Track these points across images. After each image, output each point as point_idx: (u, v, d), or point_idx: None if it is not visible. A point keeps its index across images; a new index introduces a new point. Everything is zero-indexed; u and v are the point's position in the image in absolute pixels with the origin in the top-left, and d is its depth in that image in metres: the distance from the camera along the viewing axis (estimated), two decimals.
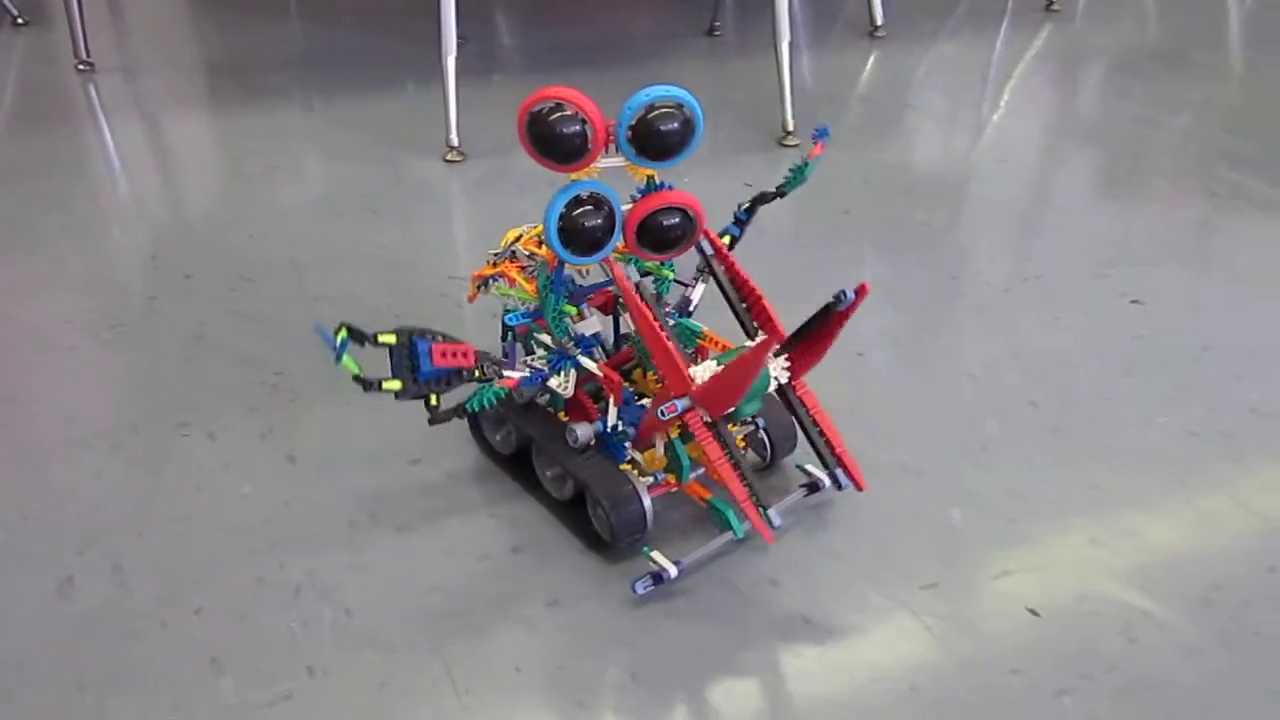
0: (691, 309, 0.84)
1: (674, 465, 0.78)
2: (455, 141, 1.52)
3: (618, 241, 0.75)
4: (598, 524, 0.79)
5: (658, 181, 0.75)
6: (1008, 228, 1.37)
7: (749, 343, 0.76)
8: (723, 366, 0.72)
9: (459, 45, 1.53)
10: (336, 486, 0.87)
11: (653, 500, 0.76)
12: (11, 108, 1.79)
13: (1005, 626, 0.74)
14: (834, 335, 0.72)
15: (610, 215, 0.73)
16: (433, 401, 0.70)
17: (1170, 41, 2.21)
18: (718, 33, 2.17)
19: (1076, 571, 0.79)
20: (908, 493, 0.86)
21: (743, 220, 0.84)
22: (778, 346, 0.75)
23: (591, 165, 0.72)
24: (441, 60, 1.51)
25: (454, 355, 0.70)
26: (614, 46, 2.13)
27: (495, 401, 0.73)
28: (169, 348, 1.07)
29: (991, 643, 0.73)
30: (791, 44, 1.59)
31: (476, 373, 0.71)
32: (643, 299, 0.75)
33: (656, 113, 0.71)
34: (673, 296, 0.85)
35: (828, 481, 0.81)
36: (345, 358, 0.64)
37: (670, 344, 0.71)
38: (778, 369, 0.75)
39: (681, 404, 0.70)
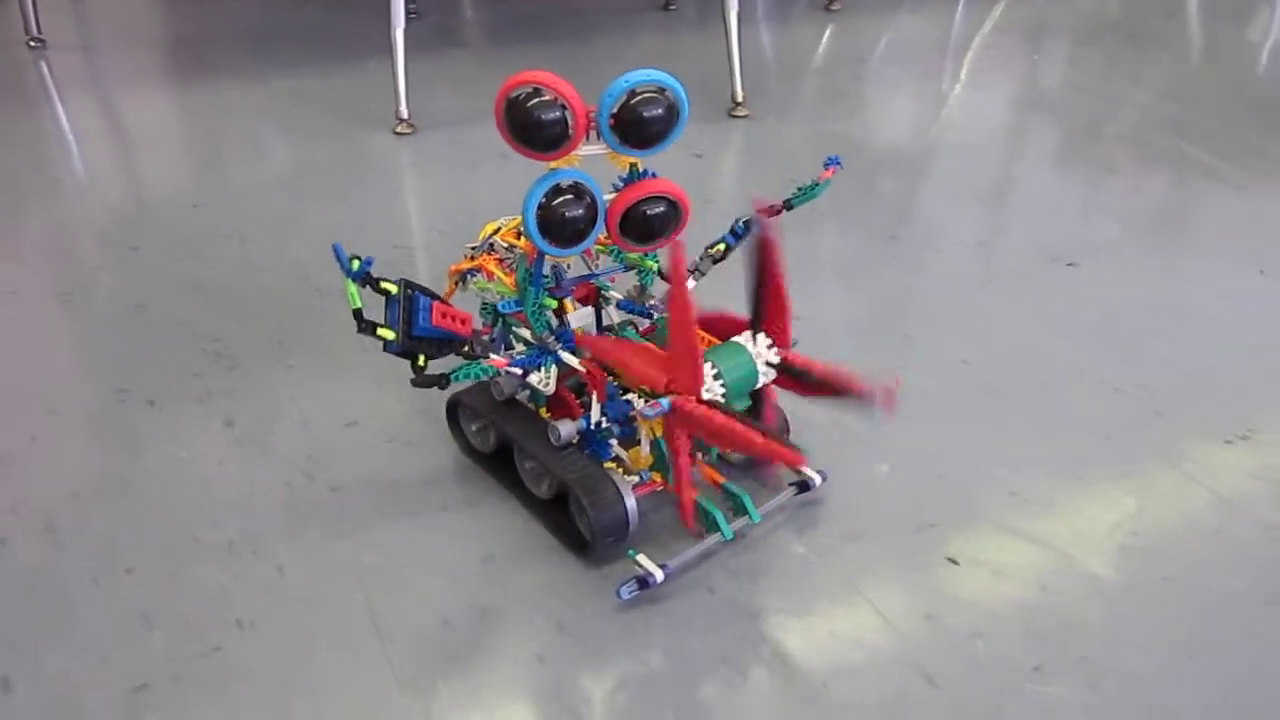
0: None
1: (660, 463, 0.75)
2: (405, 114, 1.52)
3: (600, 232, 0.72)
4: (580, 524, 0.76)
5: (641, 169, 0.72)
6: (950, 194, 1.39)
7: (737, 338, 0.71)
8: (668, 335, 0.68)
9: (412, 19, 1.54)
10: (273, 449, 0.88)
11: (638, 500, 0.73)
12: None
13: (924, 577, 0.76)
14: (780, 276, 0.68)
15: (592, 205, 0.70)
16: (419, 362, 0.68)
17: (1126, 15, 2.23)
18: (673, 7, 2.17)
19: (998, 523, 0.81)
20: (841, 452, 0.88)
21: (740, 233, 0.79)
22: (749, 331, 0.71)
23: (572, 153, 0.68)
24: (391, 33, 1.51)
25: (453, 319, 0.68)
26: (569, 20, 2.13)
27: (480, 378, 0.71)
28: (111, 318, 1.07)
29: (912, 591, 0.74)
30: (741, 16, 1.60)
31: (467, 347, 0.69)
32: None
33: (640, 98, 0.68)
34: (653, 291, 0.82)
35: (818, 480, 0.81)
36: (351, 287, 0.63)
37: (628, 353, 0.69)
38: (763, 351, 0.70)
39: (665, 401, 0.66)
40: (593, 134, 0.68)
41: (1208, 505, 0.83)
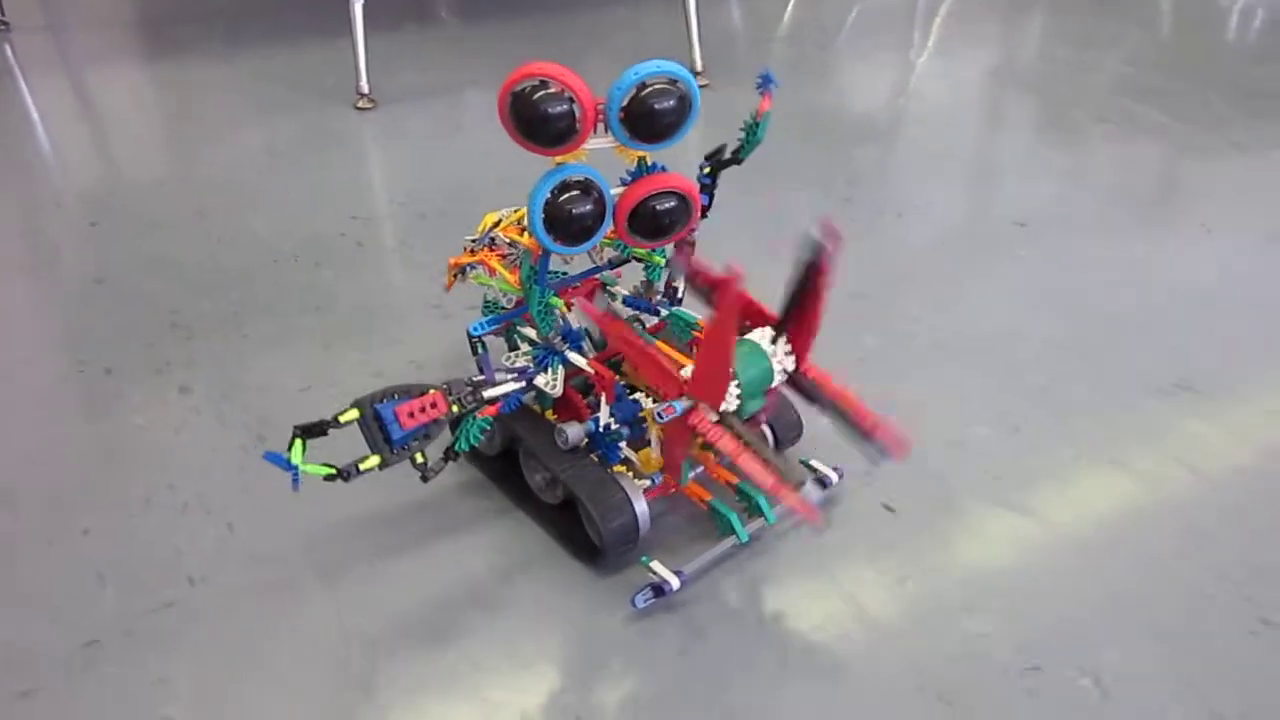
0: (680, 296, 0.78)
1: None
2: (365, 89, 1.53)
3: (608, 228, 0.69)
4: (589, 531, 0.73)
5: (650, 163, 0.69)
6: (904, 157, 1.41)
7: (756, 336, 0.69)
8: (698, 350, 0.66)
9: None
10: (228, 415, 0.89)
11: (649, 504, 0.71)
12: None
13: (863, 524, 0.78)
14: (821, 298, 0.66)
15: (600, 201, 0.67)
16: (419, 460, 0.65)
17: None
18: None
19: (939, 469, 0.83)
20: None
21: (708, 185, 0.76)
22: (772, 332, 0.69)
23: (580, 148, 0.65)
24: (350, 7, 1.52)
25: (422, 411, 0.64)
26: None
27: (480, 437, 0.68)
28: (70, 292, 1.08)
29: (850, 535, 0.77)
30: None
31: (454, 409, 0.66)
32: (612, 316, 0.71)
33: (650, 90, 0.64)
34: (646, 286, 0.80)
35: (834, 478, 0.79)
36: (310, 467, 0.60)
37: (651, 350, 0.67)
38: (781, 357, 0.68)
39: (680, 405, 0.64)
40: (600, 127, 0.65)
41: (1141, 453, 0.85)
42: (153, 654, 0.67)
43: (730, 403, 0.66)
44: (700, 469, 0.76)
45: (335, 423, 0.62)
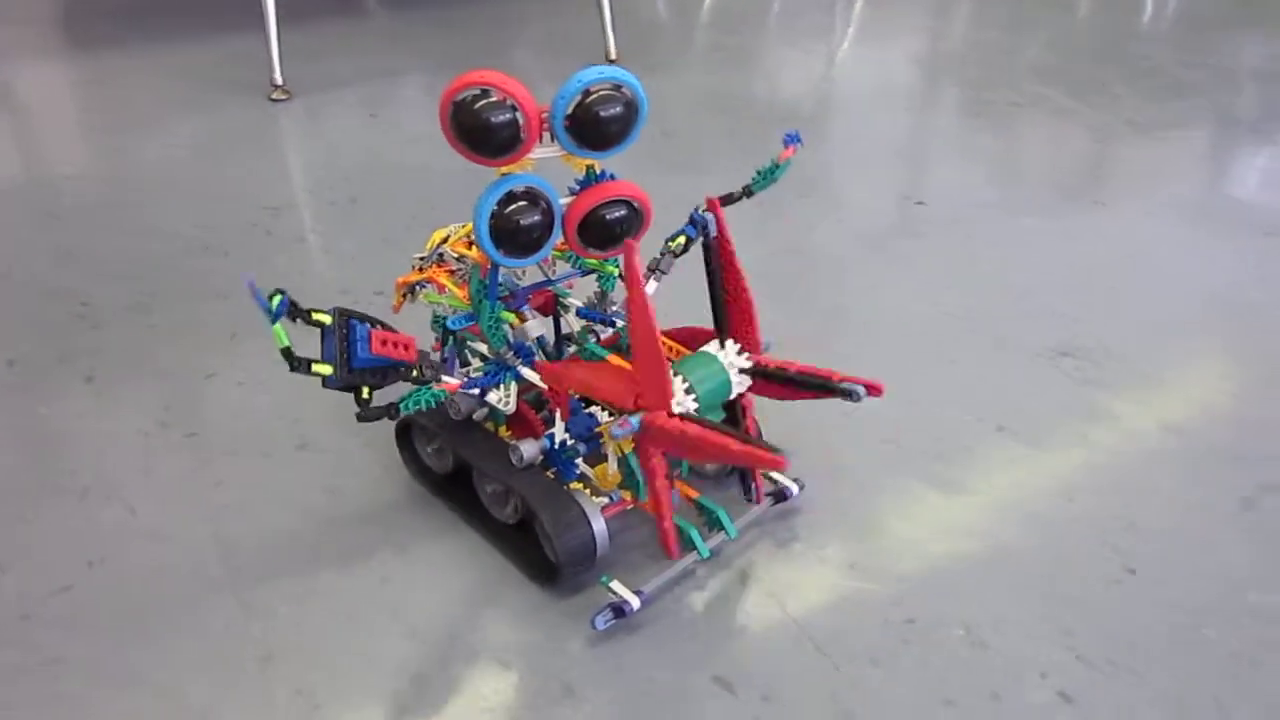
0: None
1: (629, 481, 0.70)
2: (279, 80, 1.53)
3: (557, 239, 0.68)
4: (546, 550, 0.71)
5: (598, 171, 0.68)
6: (809, 136, 1.44)
7: (706, 347, 0.69)
8: (631, 349, 0.64)
9: None
10: (131, 401, 0.90)
11: (607, 522, 0.68)
12: None
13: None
14: (738, 275, 0.66)
15: (548, 211, 0.65)
16: (364, 394, 0.63)
17: None
18: None
19: (835, 439, 0.86)
20: None
21: (699, 222, 0.72)
22: (717, 341, 0.68)
23: (525, 157, 0.64)
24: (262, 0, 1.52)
25: (395, 345, 0.63)
26: None
27: (433, 405, 0.66)
28: None
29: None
30: None
31: (415, 372, 0.65)
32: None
33: (595, 97, 0.63)
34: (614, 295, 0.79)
35: (794, 489, 0.77)
36: (277, 326, 0.58)
37: (596, 374, 0.66)
38: (733, 359, 0.67)
39: (635, 420, 0.62)
40: (546, 136, 0.64)
41: (1026, 417, 0.88)
42: (49, 635, 0.68)
43: (684, 403, 0.64)
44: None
45: (306, 315, 0.60)
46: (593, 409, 0.69)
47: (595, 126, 0.64)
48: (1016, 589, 0.72)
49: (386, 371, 0.63)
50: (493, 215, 0.64)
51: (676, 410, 0.63)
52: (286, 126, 1.47)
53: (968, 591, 0.71)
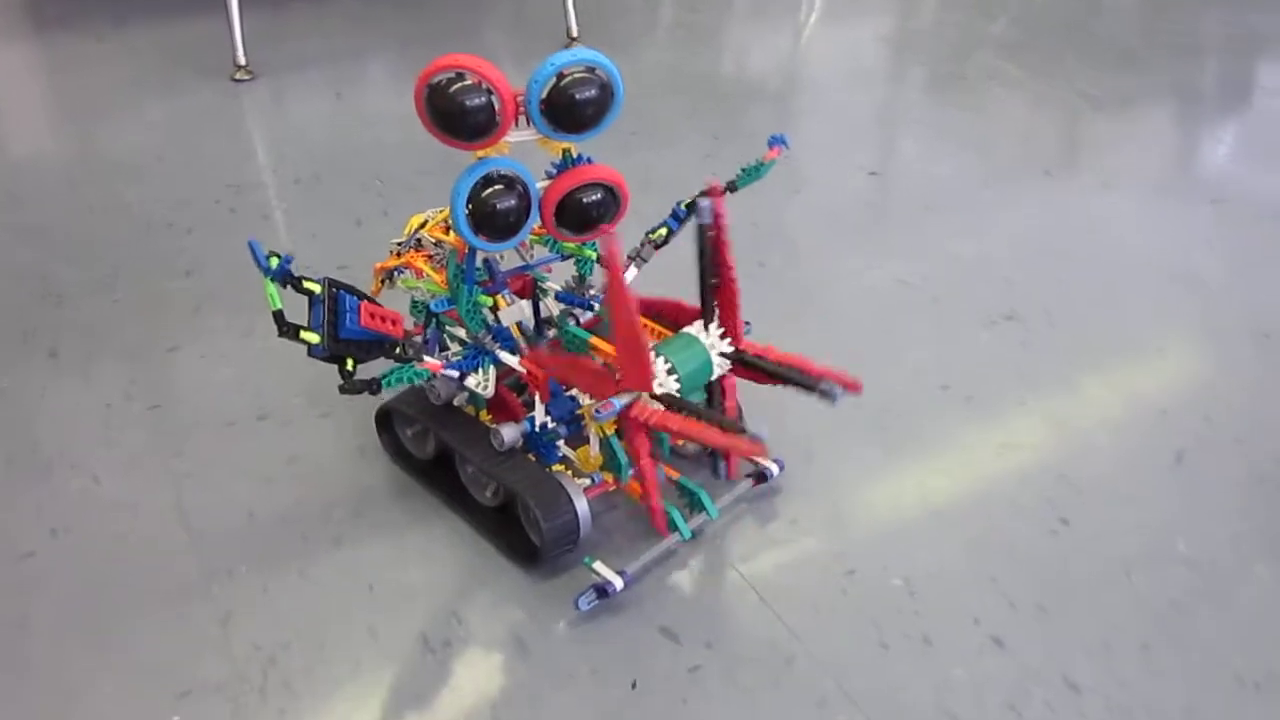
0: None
1: (611, 464, 0.70)
2: (242, 60, 1.54)
3: (534, 223, 0.67)
4: (530, 533, 0.72)
5: (575, 155, 0.68)
6: (766, 112, 1.46)
7: (689, 329, 0.69)
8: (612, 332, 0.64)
9: None
10: (94, 376, 0.91)
11: (589, 503, 0.69)
12: None
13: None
14: (728, 265, 0.66)
15: (525, 195, 0.65)
16: (347, 366, 0.64)
17: None
18: None
19: (779, 395, 0.88)
20: None
21: (682, 216, 0.74)
22: (699, 321, 0.68)
23: (501, 141, 0.64)
24: None
25: (383, 319, 0.64)
26: None
27: (414, 383, 0.67)
28: None
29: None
30: None
31: (399, 349, 0.65)
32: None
33: (569, 80, 0.63)
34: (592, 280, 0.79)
35: (775, 470, 0.78)
36: (270, 287, 0.59)
37: (575, 361, 0.66)
38: (715, 342, 0.68)
39: (619, 401, 0.62)
40: (522, 119, 0.64)
41: (968, 378, 0.91)
42: (13, 600, 0.70)
43: (666, 384, 0.65)
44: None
45: (298, 282, 0.61)
46: (573, 392, 0.69)
47: (570, 110, 0.64)
48: (954, 542, 0.74)
49: (371, 346, 0.64)
50: (469, 199, 0.64)
51: (658, 391, 0.63)
52: (250, 107, 1.47)
53: (908, 545, 0.74)
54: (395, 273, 0.79)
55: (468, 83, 0.61)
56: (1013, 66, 1.63)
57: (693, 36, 1.77)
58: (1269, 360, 0.94)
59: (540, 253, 0.78)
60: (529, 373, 0.70)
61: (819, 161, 1.31)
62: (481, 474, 0.73)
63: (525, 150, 0.65)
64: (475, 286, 0.70)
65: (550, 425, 0.70)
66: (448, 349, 0.76)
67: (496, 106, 0.62)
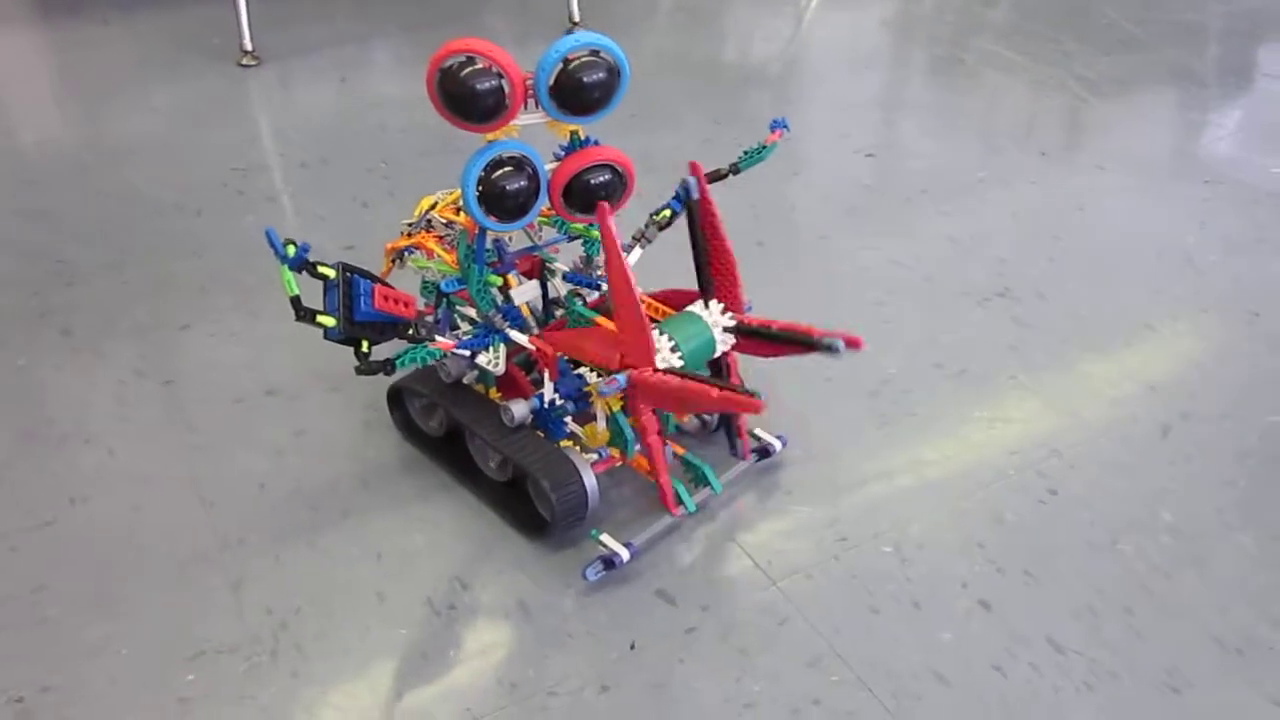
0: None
1: (617, 439, 0.72)
2: (249, 46, 1.55)
3: (543, 204, 0.69)
4: (539, 506, 0.74)
5: (583, 137, 0.69)
6: (766, 95, 1.48)
7: (690, 307, 0.71)
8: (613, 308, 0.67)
9: None
10: (107, 353, 0.93)
11: (597, 478, 0.71)
12: None
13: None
14: (721, 237, 0.69)
15: (534, 176, 0.67)
16: (363, 348, 0.65)
17: None
18: None
19: (775, 374, 0.90)
20: None
21: (684, 198, 0.74)
22: (702, 301, 0.70)
23: (510, 124, 0.65)
24: None
25: (396, 302, 0.65)
26: None
27: (428, 363, 0.69)
28: None
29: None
30: None
31: (411, 330, 0.67)
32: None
33: (576, 63, 0.65)
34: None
35: (778, 445, 0.80)
36: (287, 273, 0.60)
37: (582, 337, 0.68)
38: (720, 322, 0.69)
39: (621, 377, 0.64)
40: (531, 102, 0.65)
41: (960, 353, 0.93)
42: (33, 566, 0.72)
43: (670, 361, 0.66)
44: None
45: (312, 268, 0.62)
46: (581, 370, 0.71)
47: (578, 92, 0.65)
48: (945, 511, 0.76)
49: (385, 327, 0.66)
50: (480, 181, 0.65)
51: (661, 366, 0.65)
52: (256, 91, 1.49)
53: (900, 514, 0.76)
54: (406, 253, 0.81)
55: (479, 66, 0.62)
56: (1011, 50, 1.64)
57: (693, 20, 1.79)
58: (1257, 339, 0.96)
59: (548, 234, 0.80)
60: (539, 350, 0.72)
61: (817, 144, 1.33)
62: (491, 449, 0.74)
63: (532, 133, 0.67)
64: (485, 267, 0.72)
65: (559, 402, 0.71)
66: (458, 328, 0.78)
67: (506, 90, 0.63)
